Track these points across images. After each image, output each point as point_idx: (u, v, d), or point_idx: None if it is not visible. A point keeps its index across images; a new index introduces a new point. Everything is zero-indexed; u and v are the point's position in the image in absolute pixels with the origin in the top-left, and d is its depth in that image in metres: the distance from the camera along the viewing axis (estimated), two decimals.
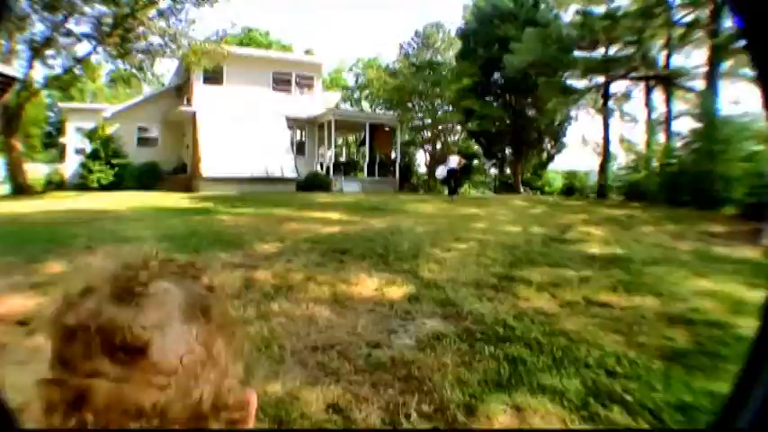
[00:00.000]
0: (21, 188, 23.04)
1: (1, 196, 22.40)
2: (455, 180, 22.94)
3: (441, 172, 24.56)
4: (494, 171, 35.80)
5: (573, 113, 29.06)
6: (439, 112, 29.32)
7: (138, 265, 0.66)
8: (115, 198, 20.33)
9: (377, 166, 28.74)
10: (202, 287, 0.69)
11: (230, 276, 6.28)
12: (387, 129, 28.53)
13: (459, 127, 32.23)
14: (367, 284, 5.82)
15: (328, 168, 27.29)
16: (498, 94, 30.32)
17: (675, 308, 5.16)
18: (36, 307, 5.17)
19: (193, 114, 25.35)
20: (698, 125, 17.46)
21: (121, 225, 10.75)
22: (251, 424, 0.71)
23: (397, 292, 5.49)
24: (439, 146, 31.32)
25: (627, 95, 25.38)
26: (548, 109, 26.66)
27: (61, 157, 34.00)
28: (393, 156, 29.52)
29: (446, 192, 23.20)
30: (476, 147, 32.95)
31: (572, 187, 28.26)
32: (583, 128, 63.68)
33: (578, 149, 47.72)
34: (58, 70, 26.64)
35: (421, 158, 36.05)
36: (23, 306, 5.19)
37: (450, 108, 29.52)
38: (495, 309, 4.91)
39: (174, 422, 0.60)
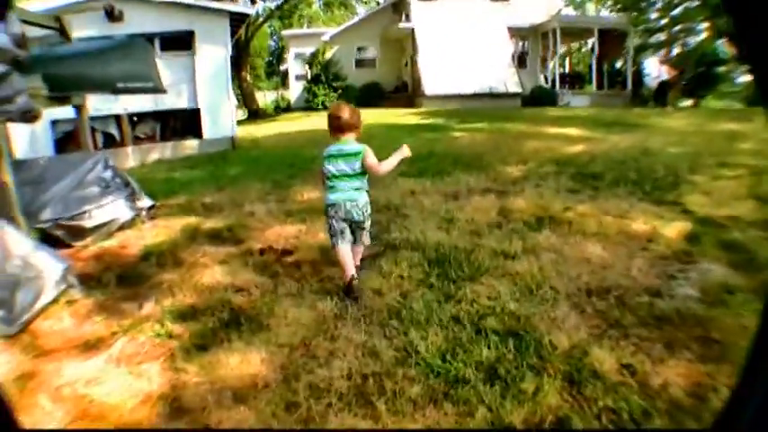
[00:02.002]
0: (255, 113, 25.28)
1: (240, 120, 24.64)
2: (664, 91, 20.91)
3: (651, 82, 22.53)
4: (745, 78, 31.54)
5: None
6: (678, 9, 26.11)
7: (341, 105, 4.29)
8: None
9: (605, 78, 26.92)
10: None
11: (483, 202, 6.17)
12: (616, 34, 26.33)
13: (703, 26, 28.62)
14: (632, 217, 5.33)
15: (553, 81, 26.13)
16: None
17: None
18: (296, 233, 5.53)
19: (411, 31, 25.46)
20: None
21: None
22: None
23: (668, 228, 4.90)
24: (677, 50, 28.08)
25: None
26: None
27: (283, 83, 36.54)
28: (623, 65, 27.38)
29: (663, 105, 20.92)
30: (725, 49, 29.00)
31: None
32: None
33: None
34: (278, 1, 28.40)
35: (653, 67, 32.80)
36: (284, 234, 5.58)
37: (694, 2, 26.23)
38: None
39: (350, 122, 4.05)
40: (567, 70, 31.15)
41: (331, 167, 3.96)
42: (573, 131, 12.28)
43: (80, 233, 5.75)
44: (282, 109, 31.56)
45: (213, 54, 13.49)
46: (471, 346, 2.99)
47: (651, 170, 7.43)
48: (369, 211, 4.05)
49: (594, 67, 26.41)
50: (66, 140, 11.99)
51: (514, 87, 24.24)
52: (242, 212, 6.59)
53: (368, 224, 4.09)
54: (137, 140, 13.36)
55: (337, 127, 4.02)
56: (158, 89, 6.70)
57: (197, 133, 13.58)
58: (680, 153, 8.90)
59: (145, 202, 6.63)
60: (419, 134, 13.43)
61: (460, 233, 5.06)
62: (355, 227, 4.02)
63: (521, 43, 27.48)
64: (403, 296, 3.76)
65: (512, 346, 2.95)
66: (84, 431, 2.81)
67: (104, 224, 5.88)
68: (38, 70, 5.61)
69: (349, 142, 4.00)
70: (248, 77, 25.86)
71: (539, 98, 23.35)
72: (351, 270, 3.86)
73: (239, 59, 24.96)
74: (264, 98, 34.95)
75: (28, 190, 5.82)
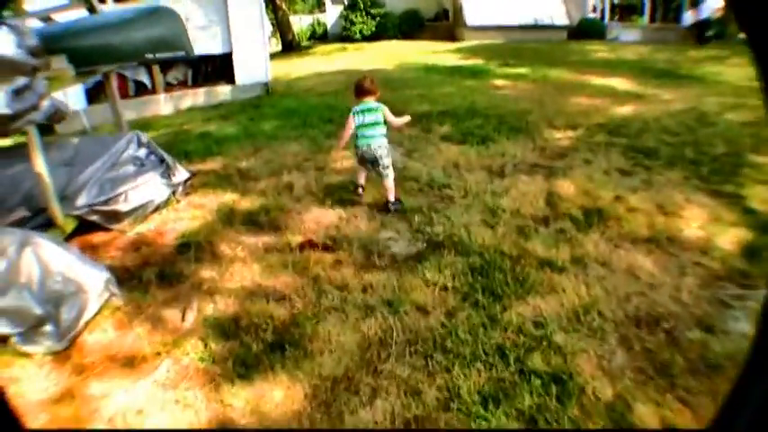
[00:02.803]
0: (289, 45, 24.92)
1: (274, 53, 24.34)
2: (703, 31, 19.86)
3: (688, 19, 21.34)
4: None
5: None
6: None
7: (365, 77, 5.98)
8: (380, 52, 20.97)
9: (659, 9, 25.68)
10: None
11: (530, 185, 6.11)
12: None
13: None
14: (686, 216, 5.18)
15: (602, 12, 25.17)
16: None
17: None
18: (337, 221, 5.56)
19: None
20: None
21: (394, 94, 11.00)
22: None
23: (725, 235, 4.73)
24: None
25: None
26: None
27: (319, 5, 35.75)
28: None
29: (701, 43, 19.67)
30: None
31: None
32: None
33: None
34: None
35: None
36: (324, 221, 5.61)
37: None
38: None
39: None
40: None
41: (359, 119, 5.70)
42: (621, 84, 11.92)
43: (116, 217, 5.86)
44: (318, 37, 31.13)
45: None
46: (514, 391, 3.03)
47: (709, 145, 7.16)
48: (385, 151, 5.75)
49: None
50: (98, 90, 12.05)
51: (561, 20, 23.36)
52: (279, 184, 6.68)
53: (386, 161, 5.75)
54: (168, 87, 13.34)
55: (362, 92, 5.82)
56: (190, 58, 6.68)
57: (230, 78, 13.50)
58: (740, 121, 8.46)
59: (181, 174, 6.70)
60: (459, 81, 13.22)
61: (506, 229, 5.05)
62: (375, 164, 5.76)
63: None
64: (448, 315, 3.82)
65: (554, 392, 2.98)
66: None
67: (140, 206, 6.00)
68: (62, 48, 5.64)
69: (370, 102, 5.78)
70: (283, 5, 25.36)
71: (585, 31, 22.64)
72: (361, 182, 6.03)
73: None
74: (300, 22, 34.35)
75: (61, 173, 5.93)
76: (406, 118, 6.05)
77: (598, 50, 18.48)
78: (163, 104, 12.75)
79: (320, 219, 5.66)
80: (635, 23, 25.16)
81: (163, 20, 6.42)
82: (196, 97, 13.14)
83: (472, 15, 22.77)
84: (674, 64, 14.54)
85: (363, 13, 25.62)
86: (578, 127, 8.33)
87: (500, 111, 9.58)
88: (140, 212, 6.03)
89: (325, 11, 31.64)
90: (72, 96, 10.62)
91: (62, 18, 7.30)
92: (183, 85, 13.71)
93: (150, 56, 6.18)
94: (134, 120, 11.91)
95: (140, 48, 6.13)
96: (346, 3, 27.08)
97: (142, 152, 6.41)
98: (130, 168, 6.22)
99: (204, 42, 12.91)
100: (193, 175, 7.17)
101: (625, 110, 9.49)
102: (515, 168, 6.63)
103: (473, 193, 5.94)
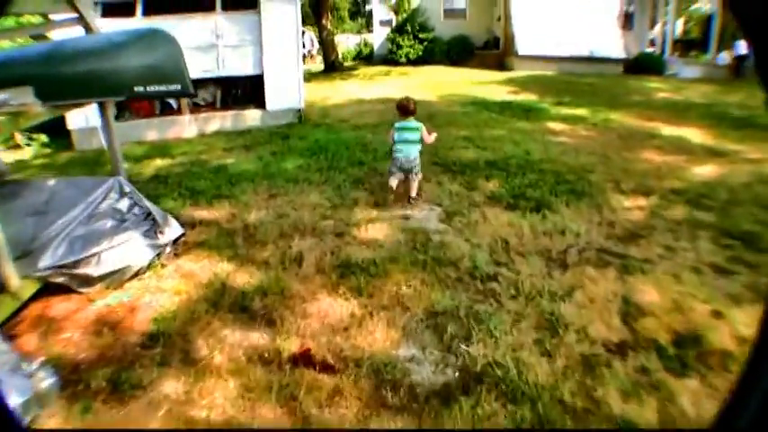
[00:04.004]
0: (332, 65, 24.13)
1: (316, 72, 23.57)
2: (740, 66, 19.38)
3: (725, 58, 20.44)
4: None
5: None
6: None
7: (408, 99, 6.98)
8: (425, 78, 20.06)
9: (726, 44, 24.08)
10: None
11: (599, 286, 4.70)
12: None
13: None
14: None
15: (662, 46, 23.84)
16: None
17: None
18: (348, 322, 4.37)
19: None
20: None
21: (438, 132, 9.73)
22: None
23: None
24: None
25: None
26: None
27: (367, 26, 35.20)
28: None
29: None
30: None
31: None
32: None
33: None
34: None
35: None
36: (331, 319, 4.43)
37: None
38: None
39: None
40: (678, 33, 27.83)
41: (400, 135, 6.66)
42: (694, 134, 10.34)
43: (86, 281, 4.88)
44: (364, 57, 30.40)
45: (281, 12, 12.03)
46: None
47: None
48: (418, 162, 6.72)
49: (716, 30, 23.15)
50: (122, 107, 11.44)
51: (617, 53, 21.98)
52: (287, 253, 5.57)
53: (417, 169, 6.72)
54: (195, 108, 12.41)
55: (405, 112, 6.80)
56: (186, 93, 5.55)
57: (261, 102, 12.46)
58: None
59: (171, 232, 5.64)
60: (510, 121, 11.89)
61: (568, 361, 3.69)
62: (409, 171, 6.68)
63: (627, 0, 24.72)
64: None
65: None
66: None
67: (115, 272, 4.96)
68: (36, 75, 4.66)
69: (412, 121, 6.76)
70: (328, 25, 24.50)
71: (643, 65, 21.29)
72: (393, 184, 6.72)
73: (319, 5, 23.84)
74: (347, 42, 33.82)
75: (30, 222, 4.99)
76: (434, 136, 6.93)
77: (659, 89, 16.88)
78: (187, 126, 11.87)
79: (327, 314, 4.45)
80: (697, 59, 23.61)
81: (157, 46, 5.27)
82: (224, 121, 12.19)
83: (525, 44, 21.63)
84: (750, 109, 12.65)
85: (411, 37, 24.74)
86: (651, 193, 6.88)
87: (558, 165, 8.23)
88: (116, 278, 5.02)
89: (372, 31, 30.86)
90: (93, 113, 9.77)
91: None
92: (210, 106, 12.77)
93: (140, 89, 5.05)
94: (156, 141, 11.14)
95: (128, 79, 4.99)
96: (394, 25, 26.24)
97: (124, 204, 5.34)
98: (108, 223, 5.17)
99: (235, 63, 12.00)
100: (192, 227, 6.12)
101: (705, 171, 7.95)
102: (580, 255, 5.28)
103: (526, 294, 4.57)
